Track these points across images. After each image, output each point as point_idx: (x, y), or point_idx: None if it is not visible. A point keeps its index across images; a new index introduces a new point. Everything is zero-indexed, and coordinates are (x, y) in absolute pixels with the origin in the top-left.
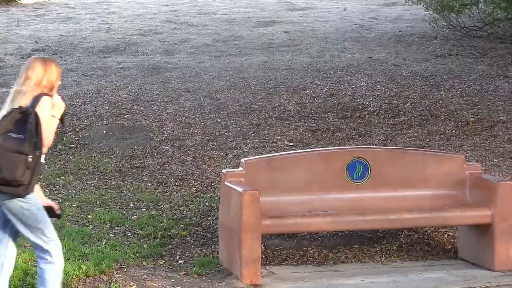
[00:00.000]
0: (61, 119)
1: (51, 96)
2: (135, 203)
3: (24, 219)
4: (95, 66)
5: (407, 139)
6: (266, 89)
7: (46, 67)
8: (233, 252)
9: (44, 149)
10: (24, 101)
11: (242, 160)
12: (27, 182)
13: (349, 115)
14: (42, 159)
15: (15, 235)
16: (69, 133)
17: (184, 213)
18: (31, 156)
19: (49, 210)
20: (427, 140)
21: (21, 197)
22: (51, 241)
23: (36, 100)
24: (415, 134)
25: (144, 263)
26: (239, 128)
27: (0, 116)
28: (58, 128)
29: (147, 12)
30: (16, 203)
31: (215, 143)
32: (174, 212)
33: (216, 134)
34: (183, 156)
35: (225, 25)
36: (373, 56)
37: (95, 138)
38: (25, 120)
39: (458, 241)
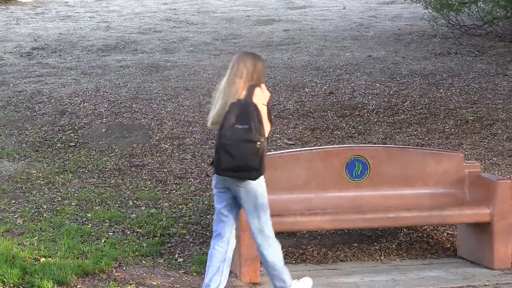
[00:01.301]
0: (267, 106)
1: (260, 86)
2: (134, 201)
3: (253, 199)
4: (94, 64)
5: (406, 137)
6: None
7: (256, 63)
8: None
9: (266, 134)
10: (240, 94)
11: None
12: (258, 166)
13: (348, 113)
14: (266, 143)
15: (237, 216)
16: (68, 132)
17: (184, 211)
18: (258, 143)
19: None
20: (426, 138)
21: (254, 180)
22: (266, 226)
23: (250, 91)
24: (414, 133)
25: (143, 261)
26: None
27: (217, 107)
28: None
29: (146, 10)
30: (249, 185)
31: (214, 141)
32: (173, 210)
33: (215, 132)
34: (183, 155)
35: (224, 23)
36: (372, 54)
37: (94, 136)
38: (246, 112)
39: (457, 239)
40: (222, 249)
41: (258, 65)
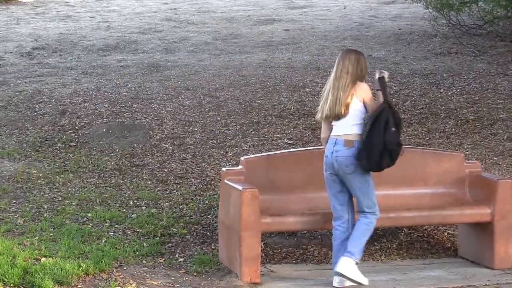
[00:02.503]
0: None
1: (366, 83)
2: (135, 201)
3: (358, 182)
4: (95, 64)
5: (407, 137)
6: (266, 87)
7: (358, 58)
8: (233, 250)
9: None
10: (349, 87)
11: (242, 158)
12: None
13: None
14: None
15: (351, 197)
16: (69, 131)
17: (184, 211)
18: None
19: None
20: (427, 138)
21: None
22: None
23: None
24: (415, 132)
25: (143, 261)
26: (239, 126)
27: (329, 102)
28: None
29: (147, 10)
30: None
31: (214, 141)
32: (174, 210)
33: (216, 132)
34: (183, 154)
35: (224, 23)
36: (373, 54)
37: (95, 136)
38: (393, 116)
39: (457, 239)
40: (343, 229)
41: (361, 60)
